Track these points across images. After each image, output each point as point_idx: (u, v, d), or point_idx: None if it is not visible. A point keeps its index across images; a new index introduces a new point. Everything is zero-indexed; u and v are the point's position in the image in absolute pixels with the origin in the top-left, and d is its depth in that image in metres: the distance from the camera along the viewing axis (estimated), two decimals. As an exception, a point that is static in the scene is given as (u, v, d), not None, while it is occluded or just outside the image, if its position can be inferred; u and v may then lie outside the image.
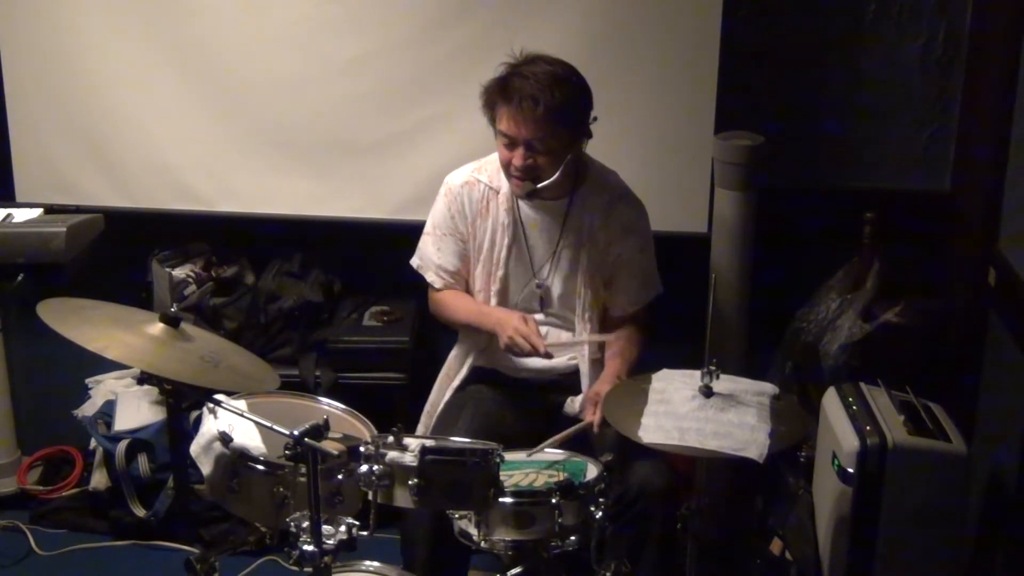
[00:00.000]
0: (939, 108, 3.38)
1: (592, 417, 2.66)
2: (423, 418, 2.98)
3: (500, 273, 2.90)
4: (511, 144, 2.74)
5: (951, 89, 3.36)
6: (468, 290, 2.98)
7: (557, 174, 2.74)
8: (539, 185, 2.76)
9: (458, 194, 2.92)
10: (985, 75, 3.23)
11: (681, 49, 3.24)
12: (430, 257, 2.95)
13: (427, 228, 2.97)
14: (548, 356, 2.77)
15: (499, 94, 2.73)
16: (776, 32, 3.36)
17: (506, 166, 2.79)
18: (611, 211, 2.89)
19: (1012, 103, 2.99)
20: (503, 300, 2.92)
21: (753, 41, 3.33)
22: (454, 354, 3.03)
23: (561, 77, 2.72)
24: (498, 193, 2.90)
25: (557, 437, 2.58)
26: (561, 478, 2.37)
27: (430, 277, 2.96)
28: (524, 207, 2.90)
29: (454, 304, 2.95)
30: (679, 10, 3.22)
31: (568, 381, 2.92)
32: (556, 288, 2.91)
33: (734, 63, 3.26)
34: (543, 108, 2.66)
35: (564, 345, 2.90)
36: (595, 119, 2.80)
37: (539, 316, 2.91)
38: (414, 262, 2.99)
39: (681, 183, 3.33)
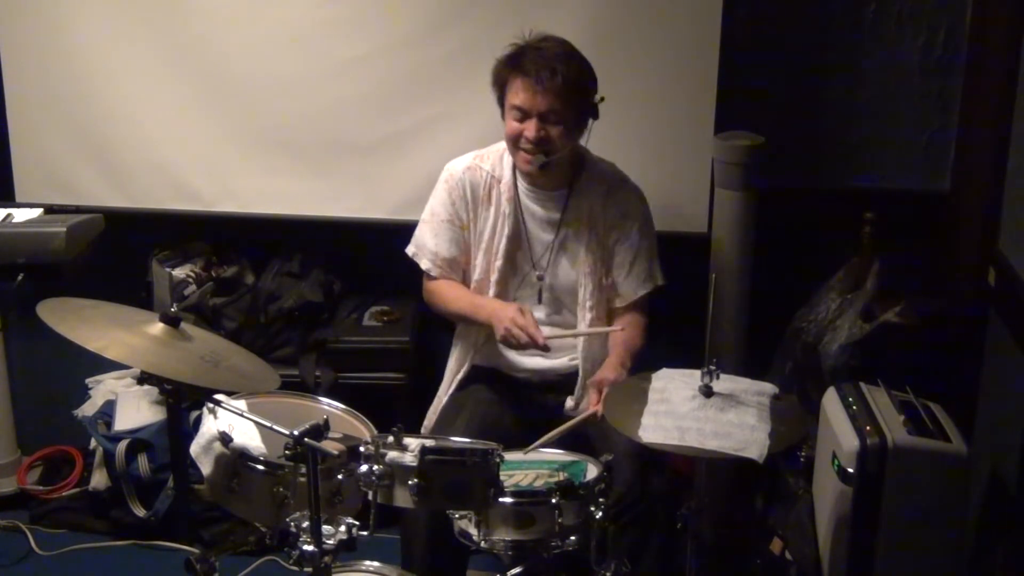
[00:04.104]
0: (939, 108, 3.38)
1: (596, 406, 2.67)
2: (427, 420, 2.98)
3: (499, 263, 2.90)
4: (523, 117, 2.75)
5: (951, 89, 3.36)
6: (465, 279, 2.97)
7: (567, 149, 2.75)
8: (550, 158, 2.76)
9: (460, 180, 2.92)
10: (985, 75, 3.23)
11: (681, 49, 3.25)
12: (425, 244, 2.95)
13: (424, 216, 2.97)
14: (546, 349, 2.77)
15: (514, 67, 2.76)
16: (776, 32, 3.36)
17: (515, 140, 2.79)
18: (610, 198, 2.90)
19: (1012, 103, 2.99)
20: (503, 290, 2.92)
21: (753, 41, 3.34)
22: (454, 355, 3.03)
23: (573, 54, 2.77)
24: (500, 182, 2.90)
25: (562, 428, 2.58)
26: (561, 478, 2.37)
27: (425, 265, 2.96)
28: (524, 197, 2.90)
29: (448, 294, 2.94)
30: (679, 10, 3.22)
31: (568, 381, 2.92)
32: (556, 278, 2.92)
33: (734, 63, 3.26)
34: (561, 78, 2.71)
35: (562, 336, 2.89)
36: (603, 99, 2.81)
37: (538, 307, 2.92)
38: (409, 250, 2.99)
39: (681, 183, 3.33)
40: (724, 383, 2.46)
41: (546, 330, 2.84)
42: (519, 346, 2.77)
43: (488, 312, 2.83)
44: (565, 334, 2.90)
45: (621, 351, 2.84)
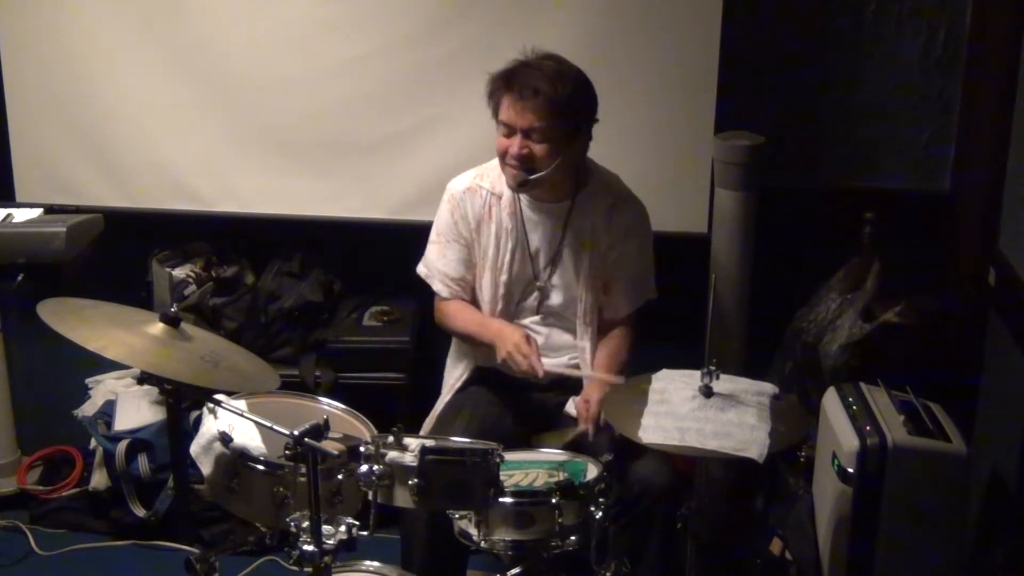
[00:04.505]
0: (939, 108, 3.38)
1: (585, 424, 2.69)
2: (427, 422, 2.98)
3: (504, 278, 2.90)
4: (509, 132, 2.75)
5: (951, 89, 3.36)
6: (475, 297, 2.97)
7: (550, 169, 2.75)
8: (532, 177, 2.76)
9: (460, 200, 2.92)
10: (985, 75, 3.23)
11: (681, 49, 3.24)
12: (435, 265, 2.95)
13: (432, 236, 2.97)
14: (544, 381, 2.78)
15: (503, 83, 2.75)
16: (776, 32, 3.36)
17: (502, 155, 2.79)
18: (613, 214, 2.89)
19: (1012, 103, 2.99)
20: (508, 304, 2.92)
21: (753, 41, 3.33)
22: (454, 356, 3.02)
23: (566, 75, 2.74)
24: (500, 198, 2.90)
25: (571, 373, 2.62)
26: (561, 478, 2.37)
27: (436, 286, 2.96)
28: (526, 211, 2.90)
29: (456, 314, 2.94)
30: (679, 10, 3.22)
31: (568, 381, 2.91)
32: (557, 291, 2.91)
33: (734, 63, 3.26)
34: (543, 98, 2.69)
35: (563, 374, 2.88)
36: (597, 121, 2.81)
37: (537, 318, 2.92)
38: (420, 270, 2.98)
39: (681, 183, 3.33)
40: (724, 383, 2.46)
41: (547, 333, 2.87)
42: (518, 372, 2.77)
43: (493, 332, 2.83)
44: (565, 372, 2.89)
45: (606, 364, 2.84)
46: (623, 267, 2.91)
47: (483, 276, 2.93)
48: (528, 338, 2.77)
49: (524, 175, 2.76)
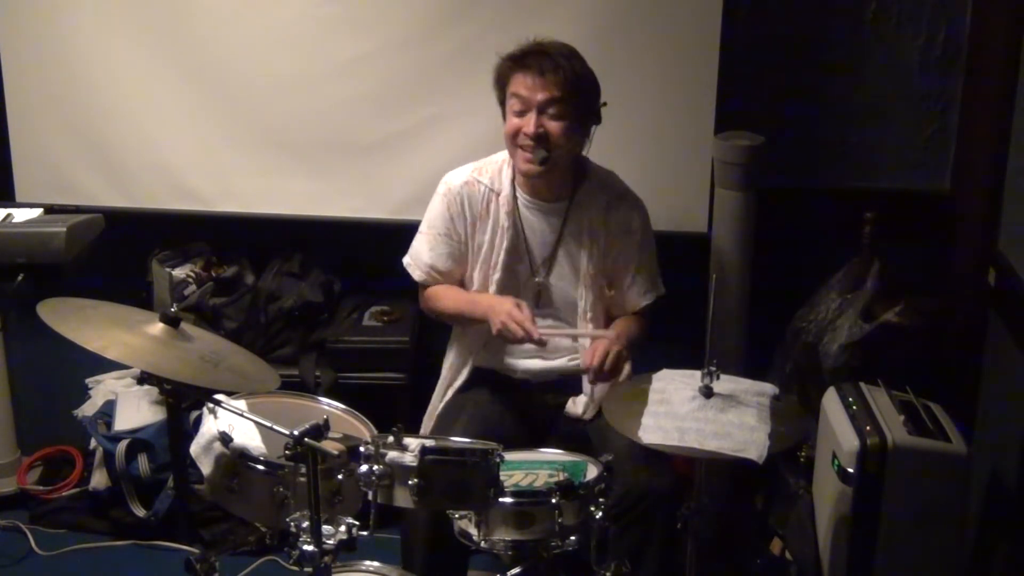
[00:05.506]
0: (939, 108, 3.38)
1: (586, 367, 2.71)
2: (424, 422, 2.98)
3: (497, 275, 2.89)
4: (523, 111, 2.74)
5: (951, 89, 3.36)
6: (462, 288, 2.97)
7: (564, 150, 2.75)
8: (551, 153, 2.74)
9: (458, 194, 2.91)
10: (985, 75, 3.23)
11: (681, 49, 3.25)
12: (421, 256, 2.95)
13: (422, 227, 2.96)
14: (542, 343, 2.76)
15: (517, 63, 2.76)
16: (776, 32, 3.36)
17: (514, 136, 2.77)
18: (611, 211, 2.89)
19: (1012, 103, 2.99)
20: (501, 300, 2.92)
21: (753, 41, 3.34)
22: (451, 357, 3.02)
23: (579, 56, 2.77)
24: (498, 195, 2.89)
25: (571, 332, 2.63)
26: (561, 478, 2.37)
27: (418, 275, 2.95)
28: (524, 210, 2.89)
29: (444, 295, 2.94)
30: (679, 10, 3.22)
31: (567, 381, 2.92)
32: (556, 290, 2.91)
33: (734, 63, 3.26)
34: (563, 72, 2.71)
35: (558, 334, 2.89)
36: (605, 104, 2.81)
37: (538, 318, 2.91)
38: (405, 260, 2.99)
39: (681, 183, 3.33)
40: (724, 383, 2.46)
41: (542, 326, 2.83)
42: (515, 340, 2.76)
43: (485, 307, 2.82)
44: (560, 332, 2.89)
45: (620, 329, 2.84)
46: (626, 265, 2.90)
47: (473, 270, 2.92)
48: (519, 304, 2.76)
49: (543, 152, 2.74)
